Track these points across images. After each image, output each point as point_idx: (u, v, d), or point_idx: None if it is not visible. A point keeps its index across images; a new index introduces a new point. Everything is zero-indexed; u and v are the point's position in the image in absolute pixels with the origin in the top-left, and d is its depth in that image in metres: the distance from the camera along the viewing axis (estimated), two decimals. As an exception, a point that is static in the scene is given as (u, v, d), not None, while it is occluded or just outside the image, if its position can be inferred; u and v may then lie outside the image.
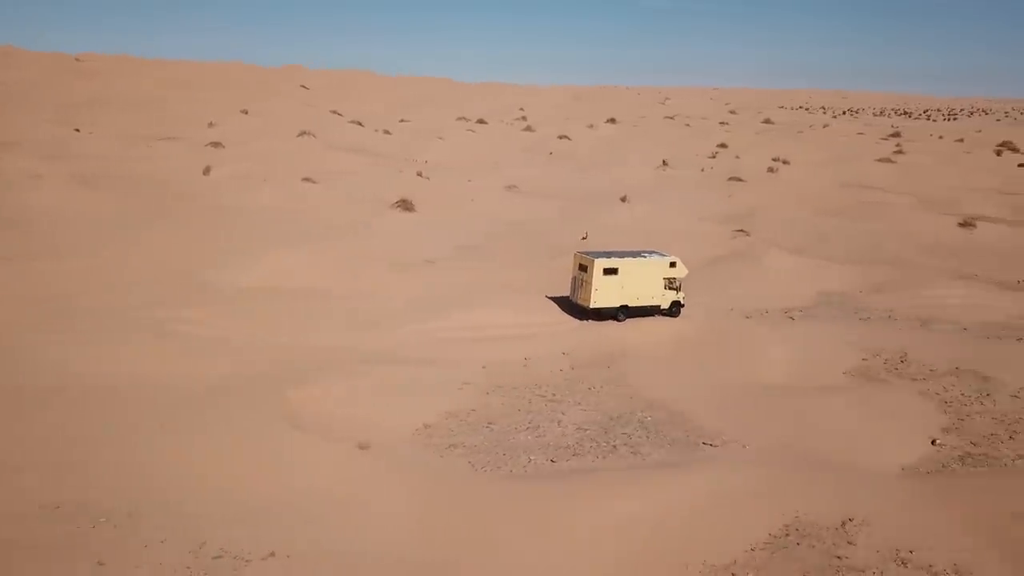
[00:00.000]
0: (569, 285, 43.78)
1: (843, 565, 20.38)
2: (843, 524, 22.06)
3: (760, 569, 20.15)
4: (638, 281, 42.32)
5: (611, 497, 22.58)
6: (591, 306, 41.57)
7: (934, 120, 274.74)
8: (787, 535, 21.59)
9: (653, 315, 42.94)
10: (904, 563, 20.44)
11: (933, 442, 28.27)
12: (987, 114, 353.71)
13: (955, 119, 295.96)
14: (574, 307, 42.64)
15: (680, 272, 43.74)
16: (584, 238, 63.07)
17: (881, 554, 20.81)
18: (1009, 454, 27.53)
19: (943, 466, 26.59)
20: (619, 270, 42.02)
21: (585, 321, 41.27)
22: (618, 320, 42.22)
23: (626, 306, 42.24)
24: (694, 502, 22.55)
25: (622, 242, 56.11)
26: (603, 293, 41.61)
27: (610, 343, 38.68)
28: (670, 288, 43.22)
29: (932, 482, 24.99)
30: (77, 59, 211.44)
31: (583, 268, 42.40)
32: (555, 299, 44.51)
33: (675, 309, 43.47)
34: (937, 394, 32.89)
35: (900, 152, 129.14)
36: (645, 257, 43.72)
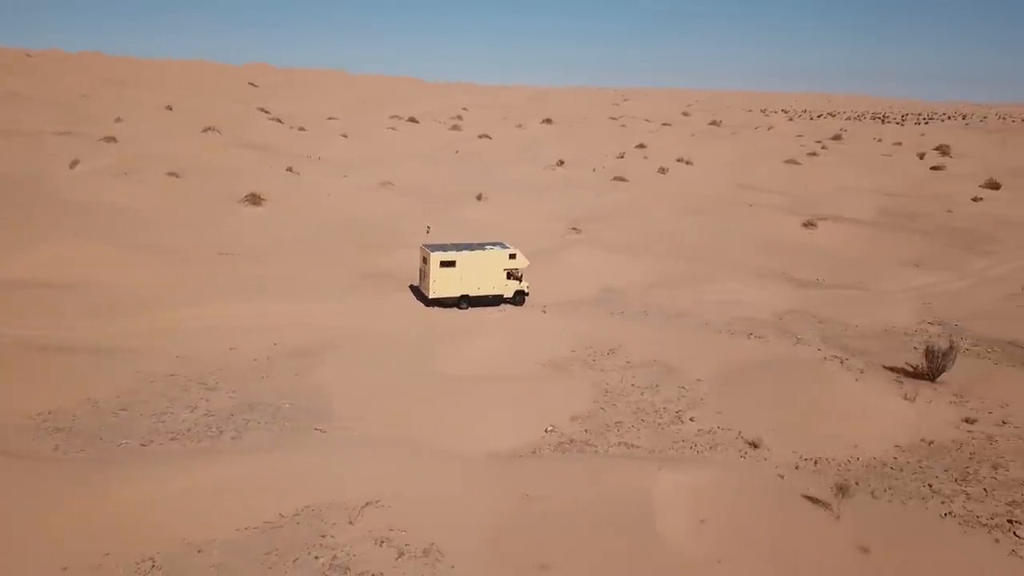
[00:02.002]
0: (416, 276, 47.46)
1: (323, 544, 20.79)
2: (365, 506, 22.49)
3: (232, 550, 20.54)
4: (477, 272, 44.19)
5: (135, 476, 22.98)
6: (430, 296, 43.71)
7: (902, 124, 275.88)
8: (296, 515, 22.02)
9: (499, 304, 44.90)
10: (381, 543, 20.88)
11: (546, 430, 28.74)
12: (964, 118, 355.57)
13: (927, 123, 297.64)
14: (421, 296, 45.08)
15: (520, 263, 45.47)
16: (428, 231, 63.81)
17: (370, 534, 21.21)
18: (613, 441, 27.99)
19: (533, 452, 27.04)
20: (457, 262, 43.83)
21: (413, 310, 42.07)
22: (461, 308, 44.12)
23: (467, 296, 44.12)
24: (222, 483, 22.98)
25: (469, 237, 57.41)
26: (441, 284, 43.64)
27: (336, 333, 39.10)
28: (512, 278, 45.09)
29: (494, 467, 25.38)
30: (28, 55, 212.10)
31: (425, 260, 44.29)
32: (347, 291, 46.40)
33: (519, 298, 45.43)
34: (606, 384, 33.37)
35: (814, 155, 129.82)
36: (485, 249, 45.17)
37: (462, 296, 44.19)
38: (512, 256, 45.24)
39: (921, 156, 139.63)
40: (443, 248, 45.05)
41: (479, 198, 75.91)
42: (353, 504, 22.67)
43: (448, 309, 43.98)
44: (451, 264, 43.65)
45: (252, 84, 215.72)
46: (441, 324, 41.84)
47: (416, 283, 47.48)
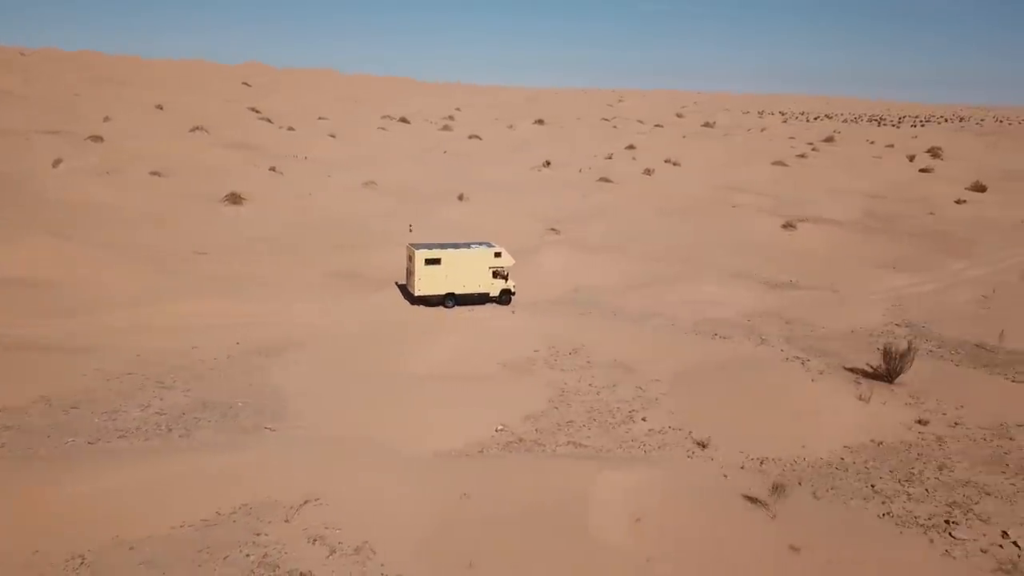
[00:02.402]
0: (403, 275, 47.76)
1: (256, 541, 20.82)
2: (303, 504, 22.52)
3: (164, 547, 20.56)
4: (463, 270, 44.41)
5: (76, 473, 23.02)
6: (416, 294, 43.94)
7: (897, 127, 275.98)
8: (233, 513, 22.04)
9: (485, 303, 45.12)
10: (315, 541, 20.88)
11: (497, 429, 28.77)
12: (961, 121, 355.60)
13: (923, 125, 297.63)
14: (408, 294, 45.39)
15: (506, 261, 45.74)
16: (410, 230, 64.07)
17: (305, 532, 21.25)
18: (562, 440, 28.02)
19: (481, 451, 27.06)
20: (442, 260, 44.12)
21: (413, 305, 42.48)
22: (447, 307, 44.30)
23: (453, 294, 44.30)
24: (162, 481, 23.01)
25: (447, 236, 57.52)
26: (426, 282, 43.86)
27: (302, 332, 39.12)
28: (498, 277, 45.28)
29: (439, 466, 25.40)
30: (22, 53, 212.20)
31: (411, 259, 44.54)
32: (318, 291, 46.62)
33: (505, 297, 45.62)
34: (563, 384, 33.40)
35: (803, 156, 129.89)
36: (471, 248, 45.39)
37: (447, 294, 44.42)
38: (498, 255, 45.53)
39: (911, 158, 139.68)
40: (429, 247, 45.26)
41: (460, 198, 76.04)
42: (292, 502, 22.68)
43: (420, 308, 44.09)
44: (436, 262, 43.93)
45: (246, 84, 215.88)
46: (409, 324, 41.86)
47: (403, 281, 47.81)
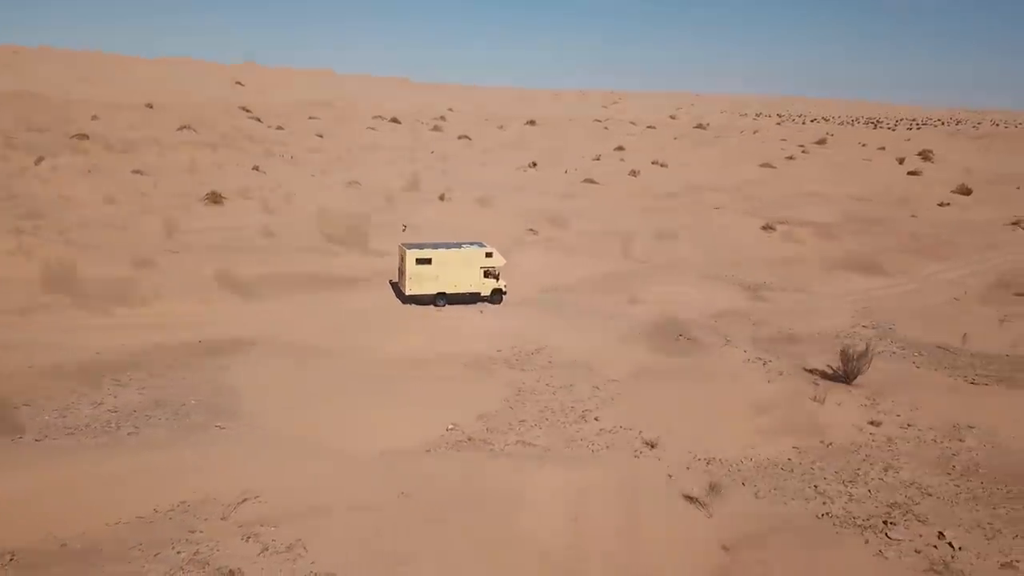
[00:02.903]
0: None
1: (190, 538, 20.86)
2: (242, 502, 22.58)
3: (96, 544, 20.58)
4: (454, 270, 44.46)
5: (16, 470, 23.07)
6: (407, 294, 44.05)
7: (893, 129, 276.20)
8: (171, 510, 22.10)
9: (476, 302, 45.09)
10: (248, 538, 20.94)
11: (447, 428, 28.79)
12: (958, 124, 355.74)
13: (919, 129, 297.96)
14: (399, 293, 45.46)
15: (497, 261, 45.83)
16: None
17: (240, 530, 21.31)
18: (512, 440, 28.03)
19: (428, 451, 27.09)
20: (433, 260, 44.21)
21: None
22: (437, 306, 44.32)
23: (443, 293, 44.36)
24: (104, 478, 23.05)
25: (430, 235, 57.48)
26: (417, 282, 43.98)
27: (266, 331, 39.08)
28: (489, 276, 45.29)
29: (382, 465, 25.44)
30: (15, 52, 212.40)
31: (402, 258, 44.65)
32: (290, 290, 46.63)
33: (496, 297, 45.59)
34: (521, 383, 33.43)
35: (792, 159, 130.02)
36: (462, 248, 45.50)
37: (438, 293, 44.51)
38: (489, 255, 45.61)
39: (900, 161, 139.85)
40: (420, 246, 45.40)
41: (441, 198, 76.08)
42: (230, 500, 22.72)
43: (392, 308, 44.11)
44: (427, 262, 44.09)
45: (239, 83, 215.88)
46: (378, 324, 41.81)
47: (393, 280, 48.02)
